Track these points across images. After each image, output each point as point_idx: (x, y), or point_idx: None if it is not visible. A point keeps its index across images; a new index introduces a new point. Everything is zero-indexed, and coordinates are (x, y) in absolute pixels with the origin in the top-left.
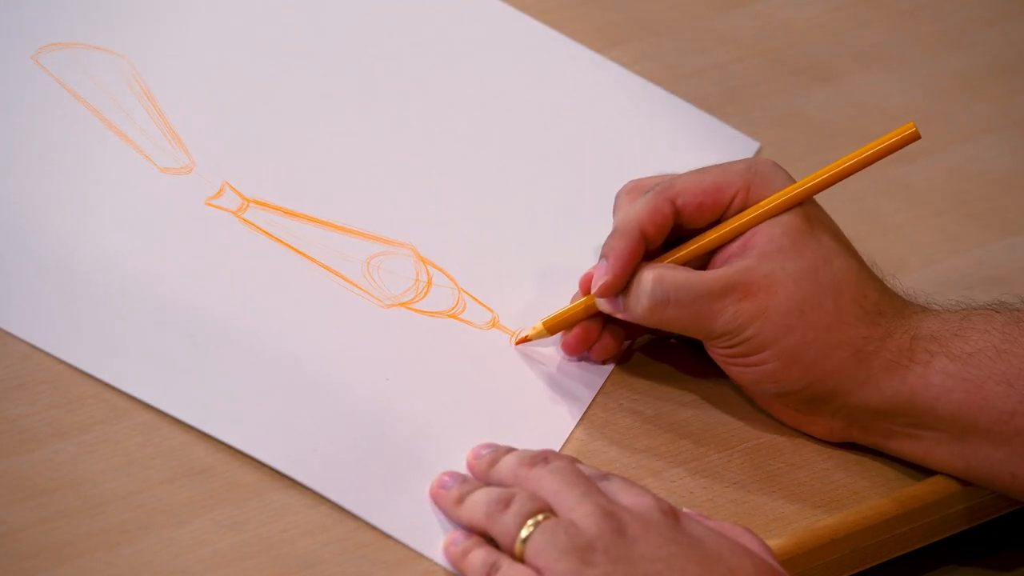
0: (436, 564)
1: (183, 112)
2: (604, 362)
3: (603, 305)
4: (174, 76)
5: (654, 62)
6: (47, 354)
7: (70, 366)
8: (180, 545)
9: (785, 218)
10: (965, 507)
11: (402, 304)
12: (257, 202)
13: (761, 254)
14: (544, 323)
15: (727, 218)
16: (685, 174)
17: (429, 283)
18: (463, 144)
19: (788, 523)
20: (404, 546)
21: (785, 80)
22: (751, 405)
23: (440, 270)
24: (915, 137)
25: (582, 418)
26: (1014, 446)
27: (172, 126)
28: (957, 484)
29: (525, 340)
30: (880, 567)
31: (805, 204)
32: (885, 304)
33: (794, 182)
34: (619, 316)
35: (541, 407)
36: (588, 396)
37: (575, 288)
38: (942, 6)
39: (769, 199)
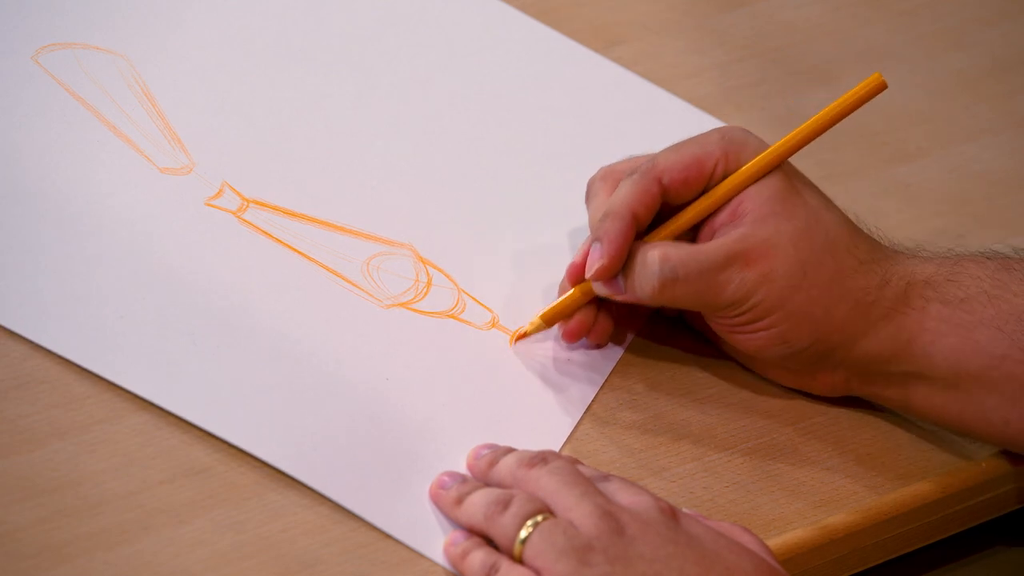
0: (436, 564)
1: (183, 112)
2: (600, 346)
3: (600, 289)
4: (174, 76)
5: (654, 62)
6: (47, 354)
7: (70, 366)
8: (180, 545)
9: (770, 181)
10: (965, 507)
11: (402, 304)
12: (257, 202)
13: (754, 219)
14: (542, 317)
15: (711, 188)
16: (663, 152)
17: (429, 283)
18: (463, 144)
19: (788, 523)
20: (404, 546)
21: (785, 80)
22: (751, 405)
23: (440, 270)
24: (882, 87)
25: (582, 418)
26: (1005, 391)
27: (171, 126)
28: (956, 485)
29: (524, 335)
30: (880, 567)
31: (783, 165)
32: (876, 252)
33: (766, 145)
34: (619, 299)
35: (541, 407)
36: (588, 396)
37: None
38: (942, 6)
39: (750, 164)
